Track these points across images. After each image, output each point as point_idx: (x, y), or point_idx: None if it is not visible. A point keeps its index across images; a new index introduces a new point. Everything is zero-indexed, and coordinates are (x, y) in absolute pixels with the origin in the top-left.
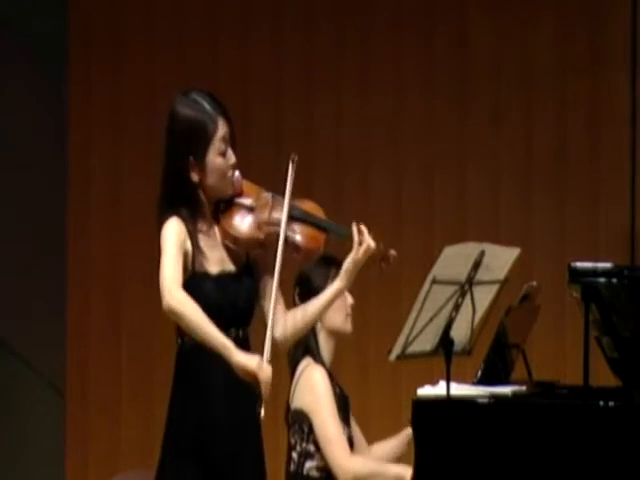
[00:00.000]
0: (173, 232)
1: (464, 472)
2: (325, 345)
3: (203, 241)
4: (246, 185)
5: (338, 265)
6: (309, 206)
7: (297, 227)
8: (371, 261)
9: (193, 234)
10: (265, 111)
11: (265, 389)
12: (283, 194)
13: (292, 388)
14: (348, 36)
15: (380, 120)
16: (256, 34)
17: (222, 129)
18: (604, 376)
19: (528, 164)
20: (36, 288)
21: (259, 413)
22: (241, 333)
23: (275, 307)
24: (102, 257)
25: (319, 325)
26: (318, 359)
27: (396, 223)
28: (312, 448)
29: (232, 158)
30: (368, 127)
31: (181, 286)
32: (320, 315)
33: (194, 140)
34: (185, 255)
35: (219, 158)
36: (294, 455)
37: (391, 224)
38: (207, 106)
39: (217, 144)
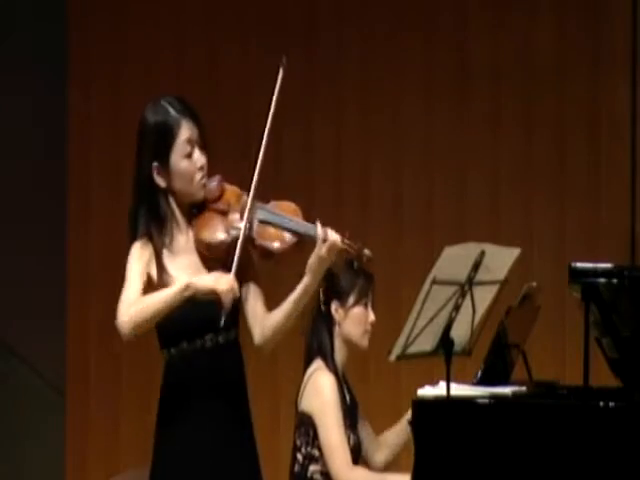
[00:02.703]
0: (136, 257)
1: (464, 472)
2: (339, 350)
3: (172, 254)
4: (228, 190)
5: (367, 277)
6: (286, 207)
7: (263, 229)
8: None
9: (159, 250)
10: (265, 112)
11: (225, 298)
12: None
13: (301, 389)
14: (348, 36)
15: (380, 120)
16: (256, 37)
17: (186, 131)
18: (604, 376)
19: (528, 164)
20: (36, 288)
21: (219, 323)
22: (221, 339)
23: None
24: (102, 257)
25: (337, 330)
26: (330, 363)
27: (396, 224)
28: (317, 453)
29: (200, 160)
30: (368, 128)
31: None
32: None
33: (156, 144)
34: (149, 277)
35: (184, 161)
36: (299, 457)
37: (391, 225)
38: (171, 109)
39: (181, 146)
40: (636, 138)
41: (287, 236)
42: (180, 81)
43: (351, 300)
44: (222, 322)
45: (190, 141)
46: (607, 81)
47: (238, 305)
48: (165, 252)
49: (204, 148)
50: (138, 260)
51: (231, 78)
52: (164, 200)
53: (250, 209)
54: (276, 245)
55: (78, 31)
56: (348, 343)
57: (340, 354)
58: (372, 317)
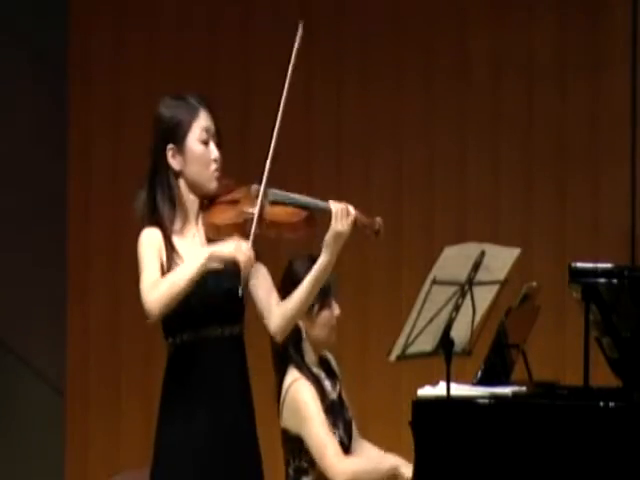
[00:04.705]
0: (147, 243)
1: (464, 472)
2: (309, 352)
3: (182, 240)
4: (239, 187)
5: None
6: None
7: (276, 208)
8: (362, 233)
9: (169, 237)
10: (265, 112)
11: (245, 268)
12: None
13: (280, 405)
14: (348, 24)
15: (380, 118)
16: (256, 35)
17: (204, 120)
18: (604, 376)
19: (528, 164)
20: (36, 288)
21: (237, 291)
22: (226, 332)
23: (270, 165)
24: (102, 257)
25: (303, 337)
26: (304, 369)
27: (396, 224)
28: (305, 464)
29: (215, 152)
30: (368, 126)
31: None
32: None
33: (174, 126)
34: (161, 262)
35: (200, 145)
36: (290, 472)
37: (391, 225)
38: (190, 98)
39: (197, 131)
40: (636, 137)
41: (298, 211)
42: (180, 81)
43: (315, 308)
44: (240, 292)
45: (207, 130)
46: (607, 79)
47: (244, 302)
48: (175, 238)
49: (219, 147)
50: (150, 246)
51: (231, 78)
52: (177, 185)
53: (263, 193)
54: (287, 219)
55: (78, 31)
56: (317, 344)
57: (310, 355)
58: (337, 311)
